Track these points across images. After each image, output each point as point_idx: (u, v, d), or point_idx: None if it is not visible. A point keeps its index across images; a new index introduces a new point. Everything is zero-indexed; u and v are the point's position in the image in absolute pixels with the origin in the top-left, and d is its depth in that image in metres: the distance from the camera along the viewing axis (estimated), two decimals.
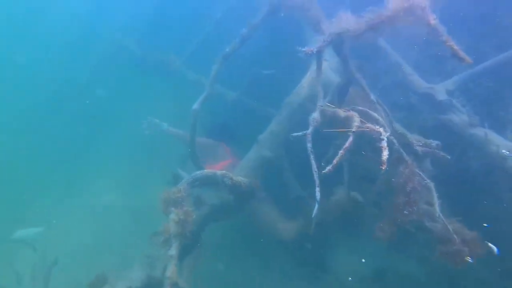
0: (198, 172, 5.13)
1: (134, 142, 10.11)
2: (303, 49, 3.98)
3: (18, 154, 9.62)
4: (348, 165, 5.06)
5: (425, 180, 4.33)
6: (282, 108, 6.62)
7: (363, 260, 6.29)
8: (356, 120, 3.84)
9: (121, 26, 9.67)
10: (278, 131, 6.49)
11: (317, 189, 4.07)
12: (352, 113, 4.02)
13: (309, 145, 4.12)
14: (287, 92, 8.31)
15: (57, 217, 8.53)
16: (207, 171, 5.18)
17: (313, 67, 6.91)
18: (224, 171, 5.21)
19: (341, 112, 4.12)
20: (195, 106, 5.62)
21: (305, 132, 4.09)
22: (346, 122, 3.92)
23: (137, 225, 8.15)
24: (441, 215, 4.20)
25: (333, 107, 4.21)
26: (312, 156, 4.12)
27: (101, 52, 9.63)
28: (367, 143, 4.30)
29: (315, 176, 4.07)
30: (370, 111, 4.22)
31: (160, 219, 8.31)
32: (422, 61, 7.16)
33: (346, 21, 3.82)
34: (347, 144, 3.80)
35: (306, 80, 6.65)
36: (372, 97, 4.41)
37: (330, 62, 7.02)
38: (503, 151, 5.41)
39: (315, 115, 4.15)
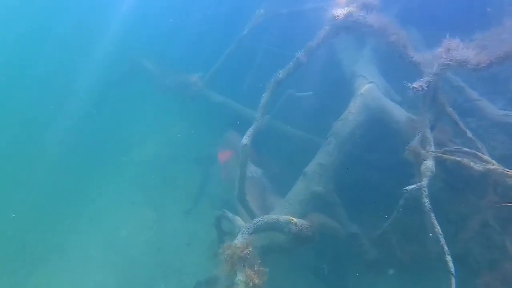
0: (258, 219, 4.44)
1: (147, 168, 9.41)
2: (413, 85, 3.39)
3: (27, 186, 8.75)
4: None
5: None
6: (329, 137, 6.01)
7: None
8: (500, 173, 3.24)
9: (138, 45, 9.01)
10: (327, 163, 5.88)
11: (448, 257, 3.27)
12: (493, 167, 3.42)
13: (425, 200, 3.48)
14: (326, 116, 7.78)
15: (70, 255, 7.66)
16: (268, 217, 4.50)
17: (359, 90, 6.38)
18: (287, 217, 4.54)
19: (467, 162, 3.52)
20: (245, 140, 4.94)
21: (419, 184, 3.46)
22: (480, 176, 3.32)
23: (163, 264, 7.41)
24: None
25: (451, 156, 3.61)
26: (432, 215, 3.46)
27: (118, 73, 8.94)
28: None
29: (441, 240, 3.35)
30: (480, 153, 3.64)
31: (187, 255, 7.76)
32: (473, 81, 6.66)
33: (459, 51, 3.26)
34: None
35: (355, 105, 6.08)
36: (469, 134, 3.85)
37: (378, 84, 6.55)
38: None
39: (429, 163, 3.54)
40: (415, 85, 3.41)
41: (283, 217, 4.54)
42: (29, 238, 7.98)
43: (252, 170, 7.70)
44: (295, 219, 4.57)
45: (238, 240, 4.14)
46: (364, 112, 5.99)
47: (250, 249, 3.97)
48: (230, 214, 5.10)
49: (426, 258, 4.84)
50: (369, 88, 6.23)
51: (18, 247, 7.92)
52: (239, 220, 4.89)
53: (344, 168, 6.02)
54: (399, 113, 5.71)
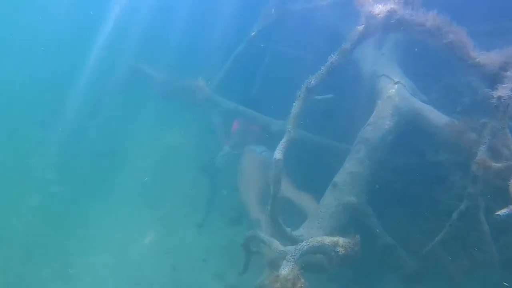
0: (303, 244, 4.02)
1: (152, 180, 8.88)
2: (498, 94, 3.01)
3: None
4: None
5: None
6: (357, 144, 5.61)
7: None
8: None
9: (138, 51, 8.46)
10: (358, 172, 5.47)
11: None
12: None
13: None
14: (344, 120, 7.36)
15: (78, 281, 7.10)
16: (313, 240, 4.08)
17: (386, 93, 6.00)
18: (333, 239, 4.13)
19: None
20: (278, 155, 4.48)
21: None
22: None
23: (180, 283, 6.94)
24: None
25: None
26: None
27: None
28: None
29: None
30: None
31: (204, 272, 7.28)
32: None
33: None
34: None
35: (384, 109, 5.68)
36: None
37: (405, 84, 6.17)
38: None
39: None
40: (501, 93, 3.01)
41: (328, 239, 4.12)
42: (29, 265, 7.36)
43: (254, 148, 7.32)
44: (341, 240, 4.16)
45: (285, 271, 3.71)
46: (395, 116, 5.60)
47: (303, 281, 3.56)
48: (263, 236, 4.66)
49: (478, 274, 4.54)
50: (397, 89, 5.85)
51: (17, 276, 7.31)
52: (276, 243, 4.46)
53: (375, 175, 5.65)
54: (436, 116, 5.35)
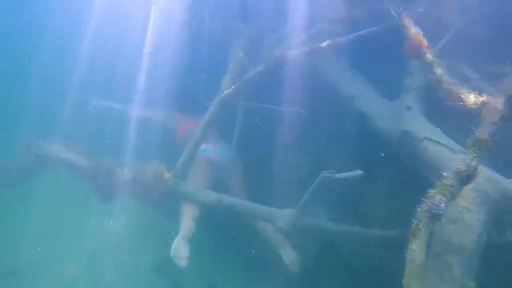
0: None
1: None
2: None
3: None
4: None
5: None
6: (445, 255, 3.84)
7: None
8: None
9: None
10: None
11: None
12: None
13: None
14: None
15: None
16: None
17: (449, 167, 4.36)
18: None
19: None
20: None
21: None
22: None
23: None
24: None
25: None
26: None
27: None
28: None
29: None
30: None
31: None
32: None
33: None
34: None
35: (469, 198, 4.00)
36: None
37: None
38: None
39: None
40: None
41: None
42: None
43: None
44: None
45: None
46: (485, 206, 4.01)
47: None
48: None
49: None
50: (467, 163, 4.27)
51: None
52: None
53: None
54: None
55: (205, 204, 5.04)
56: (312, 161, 5.86)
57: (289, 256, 5.06)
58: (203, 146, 5.93)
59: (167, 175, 5.04)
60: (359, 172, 4.83)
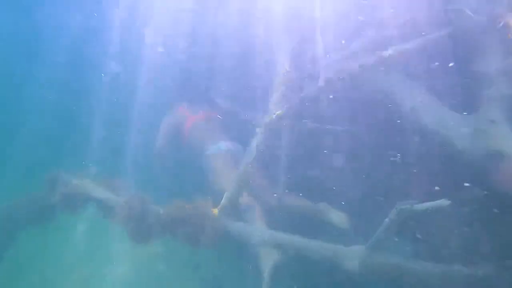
0: None
1: None
2: None
3: None
4: None
5: None
6: None
7: None
8: None
9: None
10: None
11: None
12: None
13: None
14: None
15: None
16: None
17: None
18: None
19: None
20: None
21: None
22: None
23: None
24: None
25: None
26: None
27: None
28: None
29: None
30: None
31: None
32: None
33: None
34: None
35: None
36: None
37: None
38: None
39: None
40: None
41: None
42: None
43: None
44: None
45: None
46: None
47: None
48: None
49: None
50: None
51: None
52: None
53: None
54: None
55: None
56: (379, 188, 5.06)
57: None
58: (223, 143, 5.83)
59: (213, 211, 4.33)
60: (445, 201, 4.03)
